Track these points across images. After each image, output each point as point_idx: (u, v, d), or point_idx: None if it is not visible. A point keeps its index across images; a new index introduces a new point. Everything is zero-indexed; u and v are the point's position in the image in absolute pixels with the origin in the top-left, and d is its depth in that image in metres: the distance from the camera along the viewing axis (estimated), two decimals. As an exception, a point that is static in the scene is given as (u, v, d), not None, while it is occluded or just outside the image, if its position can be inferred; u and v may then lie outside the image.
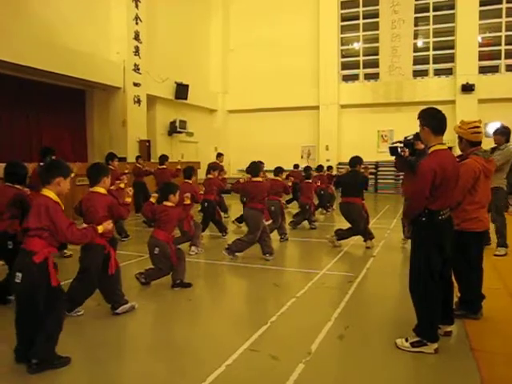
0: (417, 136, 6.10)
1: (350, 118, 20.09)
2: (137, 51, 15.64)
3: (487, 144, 5.86)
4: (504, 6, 17.71)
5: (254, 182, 6.88)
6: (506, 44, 17.89)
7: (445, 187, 3.52)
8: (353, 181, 7.86)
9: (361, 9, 19.60)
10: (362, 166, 10.34)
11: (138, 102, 15.79)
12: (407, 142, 6.18)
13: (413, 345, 3.59)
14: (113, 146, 14.46)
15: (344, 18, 19.98)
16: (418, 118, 3.72)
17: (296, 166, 14.04)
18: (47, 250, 3.19)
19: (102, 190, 4.20)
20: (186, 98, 17.99)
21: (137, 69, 15.64)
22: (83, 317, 4.34)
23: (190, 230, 6.79)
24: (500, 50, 17.99)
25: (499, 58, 17.97)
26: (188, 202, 6.11)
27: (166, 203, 5.34)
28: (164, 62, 17.14)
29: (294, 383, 3.08)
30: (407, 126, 16.66)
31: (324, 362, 3.46)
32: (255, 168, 6.97)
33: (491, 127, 10.21)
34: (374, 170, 19.05)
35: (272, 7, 20.23)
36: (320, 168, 13.25)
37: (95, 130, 15.40)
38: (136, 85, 15.60)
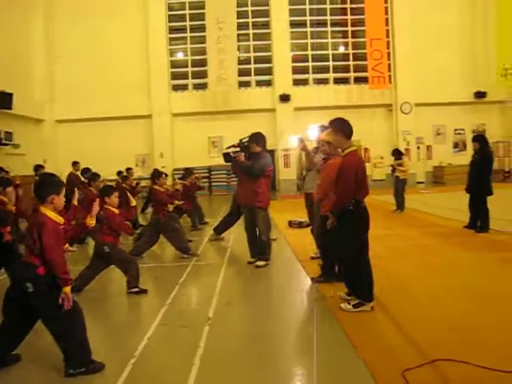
0: (252, 139, 6.61)
1: (182, 126, 21.05)
2: (-51, 56, 14.29)
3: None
4: (308, 29, 20.98)
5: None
6: (312, 61, 21.04)
7: (363, 179, 4.45)
8: None
9: (188, 23, 20.85)
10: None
11: (-46, 112, 14.43)
12: (243, 146, 6.71)
13: (355, 306, 4.45)
14: None
15: (172, 30, 20.97)
16: (329, 127, 4.59)
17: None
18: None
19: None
20: (10, 108, 16.87)
21: (-50, 76, 14.28)
22: None
23: None
24: (308, 66, 21.10)
25: (308, 73, 21.05)
26: None
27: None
28: (-18, 69, 15.87)
29: (207, 339, 3.93)
30: (235, 131, 18.41)
31: (222, 322, 4.42)
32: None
33: (310, 131, 11.84)
34: (207, 174, 20.46)
35: (100, 13, 20.02)
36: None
37: None
38: (-49, 93, 14.25)
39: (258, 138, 6.64)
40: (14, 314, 3.42)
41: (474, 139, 8.74)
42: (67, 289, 3.25)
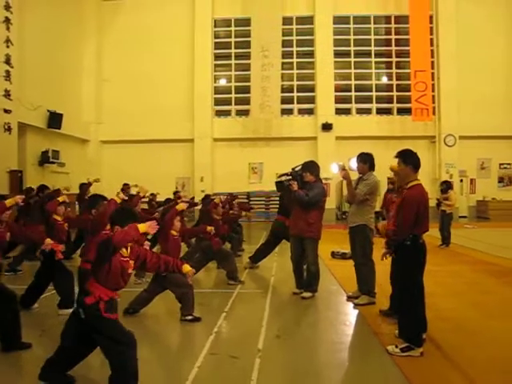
0: (305, 167, 6.38)
1: (223, 151, 21.28)
2: (8, 76, 14.92)
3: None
4: (352, 59, 21.08)
5: None
6: (355, 91, 21.03)
7: (425, 214, 4.25)
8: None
9: (233, 50, 21.30)
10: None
11: (9, 129, 15.00)
12: (295, 175, 6.46)
13: (402, 350, 4.10)
14: (-20, 177, 13.56)
15: (217, 57, 21.43)
16: (398, 157, 4.42)
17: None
18: (100, 291, 3.22)
19: None
20: (59, 128, 17.47)
21: (7, 94, 14.89)
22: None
23: None
24: (351, 96, 21.07)
25: (350, 102, 21.00)
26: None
27: None
28: (36, 89, 16.51)
29: (259, 372, 3.77)
30: (275, 159, 18.71)
31: (273, 355, 4.26)
32: None
33: (353, 162, 11.58)
34: (246, 200, 20.40)
35: (148, 40, 20.78)
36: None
37: (-41, 159, 14.22)
38: (6, 111, 14.82)
39: (311, 166, 6.44)
40: (72, 335, 3.37)
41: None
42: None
